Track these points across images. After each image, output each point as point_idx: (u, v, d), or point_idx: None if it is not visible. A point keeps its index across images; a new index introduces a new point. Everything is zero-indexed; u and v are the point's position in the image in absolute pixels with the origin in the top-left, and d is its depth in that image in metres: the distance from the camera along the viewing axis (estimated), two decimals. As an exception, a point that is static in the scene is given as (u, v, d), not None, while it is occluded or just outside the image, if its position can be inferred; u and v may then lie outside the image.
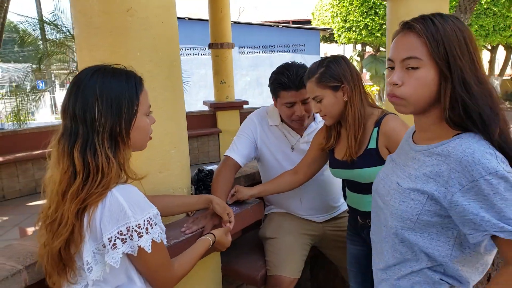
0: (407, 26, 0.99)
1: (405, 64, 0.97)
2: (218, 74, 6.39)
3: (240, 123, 2.08)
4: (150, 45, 1.51)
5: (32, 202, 4.86)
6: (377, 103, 1.71)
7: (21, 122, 8.16)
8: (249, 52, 12.10)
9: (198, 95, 11.62)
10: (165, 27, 1.56)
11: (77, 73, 1.08)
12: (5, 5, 6.07)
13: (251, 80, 12.30)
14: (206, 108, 6.79)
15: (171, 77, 1.60)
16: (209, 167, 2.01)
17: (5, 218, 4.53)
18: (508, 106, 13.03)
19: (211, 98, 6.80)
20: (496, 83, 13.82)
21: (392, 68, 1.01)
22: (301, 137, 1.96)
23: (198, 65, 11.90)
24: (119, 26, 1.45)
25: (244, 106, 6.60)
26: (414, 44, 0.96)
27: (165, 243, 1.13)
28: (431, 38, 0.94)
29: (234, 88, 6.68)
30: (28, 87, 8.72)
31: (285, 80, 1.79)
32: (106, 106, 1.00)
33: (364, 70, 13.12)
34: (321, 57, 1.72)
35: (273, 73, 1.87)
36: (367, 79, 16.38)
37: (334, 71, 1.55)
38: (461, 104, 0.92)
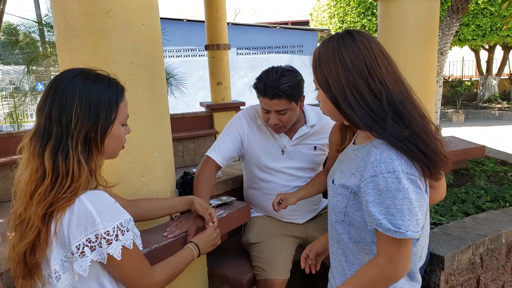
0: None
1: None
2: (215, 75, 6.37)
3: None
4: (131, 47, 1.49)
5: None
6: None
7: (18, 124, 8.14)
8: (247, 53, 12.07)
9: (196, 96, 11.59)
10: (146, 29, 1.54)
11: None
12: (1, 6, 6.05)
13: (249, 81, 12.25)
14: (203, 109, 6.77)
15: (154, 79, 1.58)
16: (195, 170, 1.99)
17: (0, 221, 4.51)
18: (506, 105, 12.99)
19: (210, 99, 6.79)
20: (494, 83, 13.78)
21: None
22: (290, 140, 1.91)
23: (196, 67, 11.87)
24: (99, 28, 1.43)
25: (241, 107, 6.58)
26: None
27: (140, 248, 1.11)
28: (313, 64, 1.11)
29: (232, 89, 6.66)
30: (27, 89, 8.70)
31: (261, 86, 1.73)
32: (84, 110, 0.98)
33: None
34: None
35: (258, 76, 1.81)
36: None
37: None
38: (347, 114, 1.05)
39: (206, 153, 1.88)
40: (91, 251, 0.95)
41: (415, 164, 0.99)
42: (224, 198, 1.88)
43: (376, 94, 1.01)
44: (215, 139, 6.49)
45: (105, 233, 0.95)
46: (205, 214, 1.49)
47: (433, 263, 1.76)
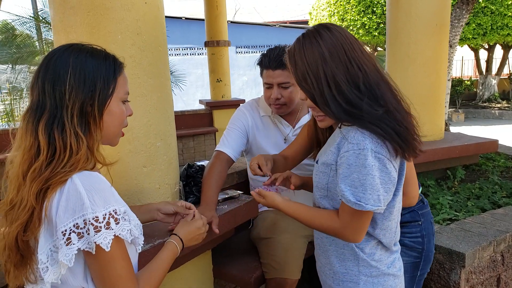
0: None
1: None
2: (214, 72, 6.27)
3: None
4: (133, 28, 1.39)
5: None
6: None
7: (14, 122, 8.02)
8: (246, 52, 12.01)
9: (195, 95, 11.51)
10: (149, 8, 1.43)
11: None
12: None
13: (249, 79, 12.19)
14: (202, 106, 6.66)
15: (157, 63, 1.48)
16: (199, 163, 1.89)
17: (-5, 219, 4.39)
18: (506, 105, 12.95)
19: (209, 97, 6.68)
20: (493, 82, 13.73)
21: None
22: (293, 128, 1.91)
23: (195, 65, 11.79)
24: (97, 6, 1.33)
25: (241, 105, 6.48)
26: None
27: (139, 249, 0.99)
28: (291, 63, 1.15)
29: (232, 88, 6.56)
30: (23, 87, 8.57)
31: (265, 59, 1.76)
32: (78, 80, 0.90)
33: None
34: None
35: (262, 53, 1.84)
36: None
37: None
38: (323, 110, 1.11)
39: (216, 149, 1.84)
40: (79, 238, 0.83)
41: (387, 144, 1.05)
42: (230, 192, 1.78)
43: (354, 79, 1.06)
44: (215, 136, 6.46)
45: (93, 218, 0.83)
46: (179, 208, 1.31)
47: (453, 261, 1.66)
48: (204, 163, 1.88)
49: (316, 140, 1.45)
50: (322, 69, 1.07)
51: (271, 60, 1.73)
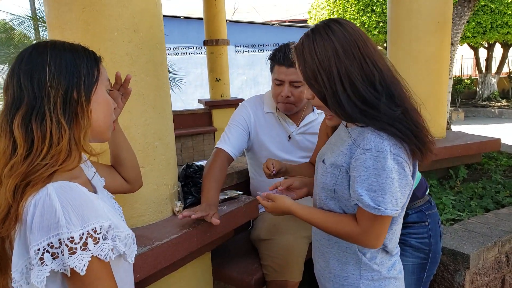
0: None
1: None
2: (213, 71, 6.23)
3: None
4: (130, 24, 1.35)
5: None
6: None
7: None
8: (246, 51, 11.96)
9: (194, 94, 11.46)
10: (147, 4, 1.40)
11: None
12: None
13: (248, 79, 12.15)
14: (201, 106, 6.63)
15: (154, 61, 1.44)
16: (198, 163, 1.85)
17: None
18: (506, 104, 12.93)
19: (207, 97, 6.65)
20: (493, 81, 13.71)
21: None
22: (297, 127, 1.87)
23: (194, 64, 11.75)
24: (93, 2, 1.29)
25: (244, 100, 6.44)
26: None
27: (131, 261, 0.91)
28: (299, 59, 1.07)
29: (231, 87, 6.52)
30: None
31: (279, 54, 1.71)
32: (59, 67, 0.82)
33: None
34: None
35: (275, 48, 1.80)
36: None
37: None
38: (335, 111, 1.05)
39: (216, 146, 1.79)
40: (53, 258, 0.75)
41: (406, 146, 1.00)
42: (230, 192, 1.74)
43: (369, 78, 1.00)
44: (214, 136, 6.42)
45: (68, 239, 0.74)
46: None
47: (457, 262, 1.63)
48: (203, 163, 1.85)
49: None
50: (335, 66, 0.99)
51: (285, 57, 1.67)
